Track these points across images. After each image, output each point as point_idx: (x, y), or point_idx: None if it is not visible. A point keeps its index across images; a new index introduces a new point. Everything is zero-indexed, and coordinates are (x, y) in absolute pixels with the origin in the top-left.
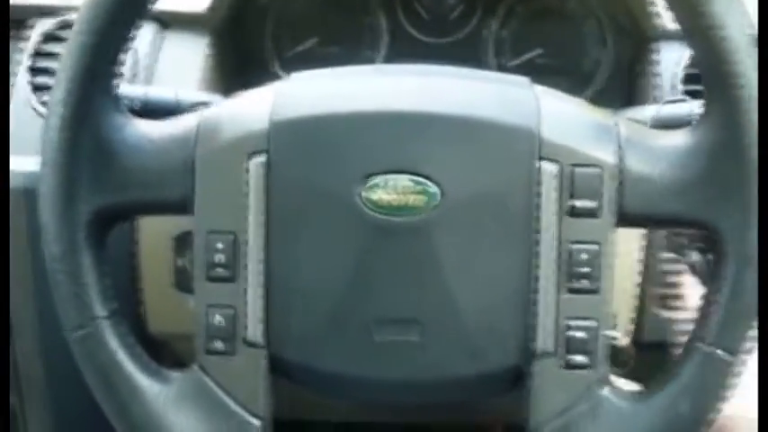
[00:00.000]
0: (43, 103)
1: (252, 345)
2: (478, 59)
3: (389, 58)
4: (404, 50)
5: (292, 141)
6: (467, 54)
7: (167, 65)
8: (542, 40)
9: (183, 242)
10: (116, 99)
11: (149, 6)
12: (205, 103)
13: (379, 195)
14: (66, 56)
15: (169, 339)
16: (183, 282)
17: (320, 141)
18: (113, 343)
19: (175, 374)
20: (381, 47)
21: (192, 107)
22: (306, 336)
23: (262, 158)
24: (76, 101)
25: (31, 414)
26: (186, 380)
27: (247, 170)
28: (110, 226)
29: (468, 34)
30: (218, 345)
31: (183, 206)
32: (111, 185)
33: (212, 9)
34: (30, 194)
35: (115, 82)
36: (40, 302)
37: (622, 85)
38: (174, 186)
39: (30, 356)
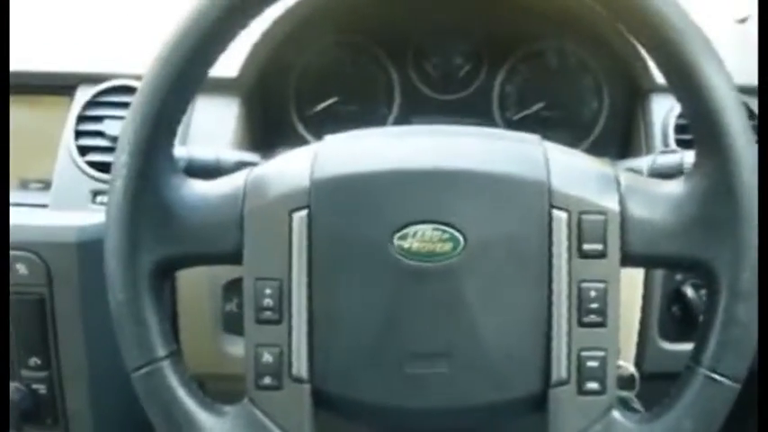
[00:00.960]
0: (89, 164)
1: (297, 380)
2: (485, 114)
3: (403, 114)
4: (416, 106)
5: (331, 197)
6: (474, 109)
7: (200, 127)
8: (544, 94)
9: (230, 289)
10: (173, 161)
11: (205, 78)
12: (244, 163)
13: (411, 243)
14: (129, 123)
15: (205, 380)
16: (231, 325)
17: (356, 196)
18: (173, 381)
19: (228, 408)
20: (395, 104)
21: (232, 166)
22: (345, 370)
23: (304, 213)
24: (139, 164)
25: None
26: (238, 413)
27: (291, 223)
28: (169, 274)
29: (475, 91)
30: (267, 380)
31: (234, 257)
32: (171, 239)
33: (242, 74)
34: (81, 248)
35: (173, 146)
36: (90, 348)
37: (618, 135)
38: (226, 239)
39: (79, 402)
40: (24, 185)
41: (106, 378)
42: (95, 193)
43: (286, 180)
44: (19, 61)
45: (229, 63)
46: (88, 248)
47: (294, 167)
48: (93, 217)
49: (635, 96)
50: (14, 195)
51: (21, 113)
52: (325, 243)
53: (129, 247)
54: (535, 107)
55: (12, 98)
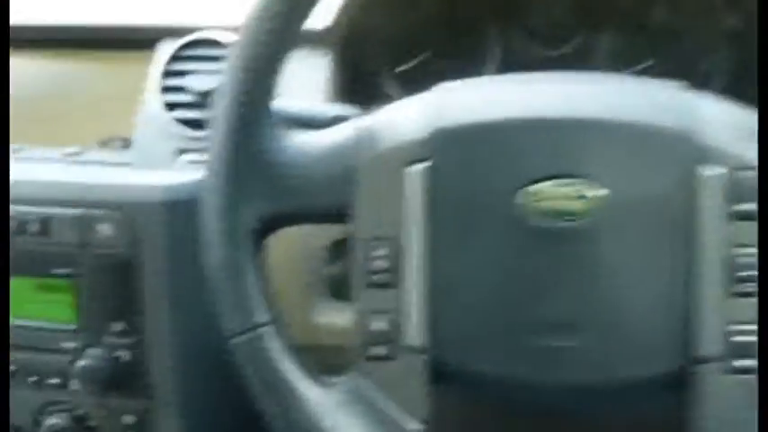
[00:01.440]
0: (173, 120)
1: (412, 349)
2: (588, 72)
3: (501, 71)
4: (515, 62)
5: (453, 148)
6: (576, 66)
7: (287, 80)
8: (652, 50)
9: (335, 251)
10: (275, 114)
11: (302, 25)
12: (342, 117)
13: (540, 201)
14: (230, 69)
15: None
16: (336, 290)
17: (482, 148)
18: (276, 348)
19: (335, 380)
20: (493, 59)
21: (329, 121)
22: (466, 339)
23: (423, 166)
24: (242, 113)
25: (163, 419)
26: (346, 385)
27: (409, 177)
28: (268, 234)
29: (579, 45)
30: (378, 350)
31: (341, 214)
32: (277, 194)
33: (332, 28)
34: (168, 207)
35: (273, 96)
36: (176, 315)
37: (732, 95)
38: (334, 194)
39: (164, 370)
40: (104, 144)
41: (193, 345)
42: (181, 151)
43: (402, 130)
44: (98, 15)
45: (320, 16)
46: (175, 208)
47: (410, 117)
48: (179, 176)
49: (751, 48)
50: (94, 154)
51: (99, 70)
52: (446, 199)
53: (231, 201)
54: (644, 64)
55: (90, 54)
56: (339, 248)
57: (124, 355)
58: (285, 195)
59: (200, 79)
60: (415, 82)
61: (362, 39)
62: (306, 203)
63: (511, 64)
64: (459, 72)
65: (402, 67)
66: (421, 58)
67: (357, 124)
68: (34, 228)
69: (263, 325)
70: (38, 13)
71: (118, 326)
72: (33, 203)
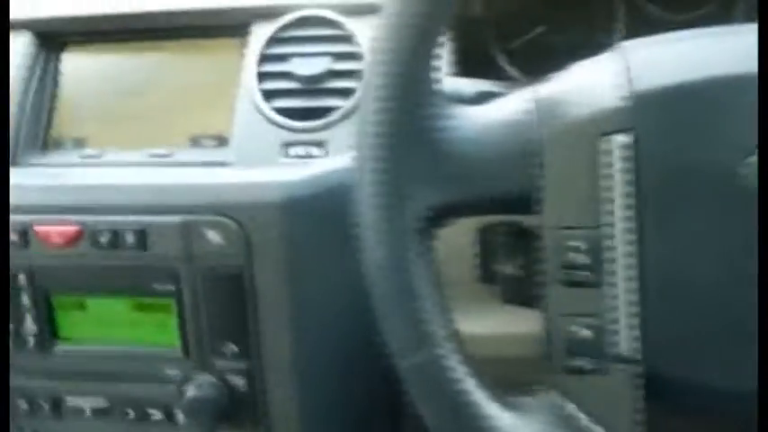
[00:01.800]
0: (277, 111)
1: (625, 360)
2: None
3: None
4: (643, 31)
5: (662, 114)
6: None
7: None
8: None
9: (510, 245)
10: (439, 84)
11: None
12: (486, 93)
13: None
14: (385, 31)
15: None
16: (512, 292)
17: (695, 112)
18: (459, 369)
19: (527, 401)
20: (618, 29)
21: (473, 97)
22: (685, 346)
23: (626, 137)
24: (405, 88)
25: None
26: (542, 406)
27: (609, 152)
28: (437, 229)
29: (715, 8)
30: (581, 362)
31: (525, 201)
32: (447, 180)
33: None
34: (288, 209)
35: (438, 66)
36: (298, 334)
37: None
38: (515, 178)
39: (285, 400)
40: (195, 143)
41: (319, 370)
42: (287, 145)
43: (595, 96)
44: (180, 0)
45: None
46: (295, 209)
47: (600, 81)
48: (291, 172)
49: None
50: (185, 154)
51: (185, 60)
52: (657, 176)
53: (394, 191)
54: None
55: (173, 43)
56: (513, 243)
57: (238, 382)
58: (459, 181)
59: (306, 63)
60: (531, 59)
61: (476, 15)
62: (484, 190)
63: (637, 33)
64: (578, 46)
65: (515, 43)
66: (534, 32)
67: (533, 95)
68: (130, 239)
69: (442, 341)
70: (113, 2)
71: (230, 348)
72: (127, 212)
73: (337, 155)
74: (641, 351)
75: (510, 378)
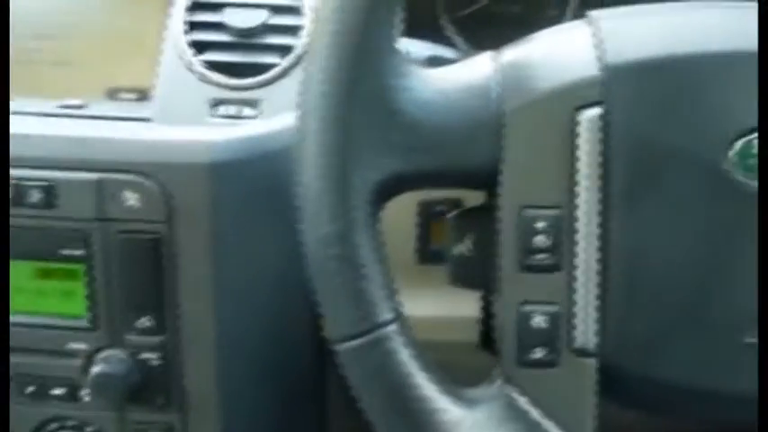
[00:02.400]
0: (207, 64)
1: (582, 352)
2: None
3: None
4: (593, 5)
5: (636, 90)
6: None
7: None
8: None
9: (463, 223)
10: (396, 42)
11: None
12: (439, 59)
13: (757, 159)
14: None
15: None
16: (462, 274)
17: (674, 90)
18: (404, 354)
19: (477, 393)
20: (571, 3)
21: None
22: (651, 338)
23: (595, 112)
24: (358, 40)
25: None
26: (495, 400)
27: (576, 126)
28: (386, 202)
29: None
30: (538, 353)
31: (484, 176)
32: (402, 147)
33: None
34: (215, 171)
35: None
36: (221, 308)
37: None
38: (475, 150)
39: (202, 379)
40: (113, 95)
41: (242, 347)
42: (216, 103)
43: (564, 67)
44: None
45: None
46: (223, 173)
47: (570, 51)
48: (219, 133)
49: None
50: (102, 107)
51: (106, 3)
52: (627, 154)
53: (343, 159)
54: None
55: None
56: (465, 220)
57: (152, 358)
58: (415, 150)
59: (241, 14)
60: (478, 28)
61: None
62: (441, 161)
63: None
64: (529, 18)
65: (463, 12)
66: (482, 2)
67: (496, 60)
68: (36, 197)
69: (387, 323)
70: None
71: (144, 321)
72: (33, 165)
73: (271, 116)
74: (599, 344)
75: (450, 364)
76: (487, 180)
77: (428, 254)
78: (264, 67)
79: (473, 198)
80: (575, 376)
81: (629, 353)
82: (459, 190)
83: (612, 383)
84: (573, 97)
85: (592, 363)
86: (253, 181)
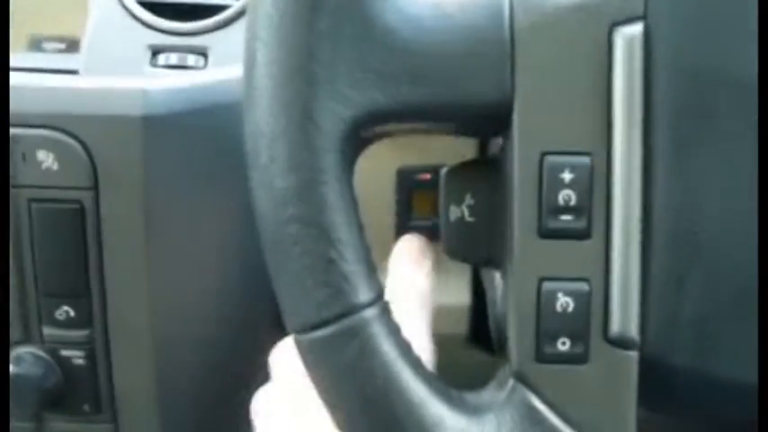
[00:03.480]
0: (142, 5)
1: (619, 343)
2: None
3: None
4: None
5: (687, 3)
6: None
7: None
8: None
9: (458, 180)
10: None
11: None
12: None
13: None
14: None
15: None
16: (459, 244)
17: (735, 6)
18: (386, 346)
19: (482, 398)
20: None
21: None
22: (706, 324)
23: (636, 29)
24: None
25: None
26: (506, 407)
27: (611, 49)
28: (360, 149)
29: None
30: (562, 345)
31: (492, 114)
32: (384, 75)
33: None
34: (150, 125)
35: None
36: (157, 292)
37: None
38: (481, 79)
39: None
40: (36, 46)
41: (182, 340)
42: (156, 51)
43: None
44: None
45: None
46: (159, 128)
47: None
48: (154, 82)
49: None
50: (23, 59)
51: None
52: (677, 85)
53: (304, 89)
54: None
55: None
56: (462, 178)
57: (76, 355)
58: (401, 78)
59: None
60: None
61: None
62: (435, 93)
63: None
64: None
65: None
66: None
67: None
68: None
69: (364, 306)
70: None
71: (64, 311)
72: None
73: (220, 66)
74: (641, 332)
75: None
76: (496, 120)
77: (410, 229)
78: (214, 9)
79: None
80: (610, 374)
81: (678, 343)
82: (451, 145)
83: (654, 383)
84: (608, 10)
85: (632, 356)
86: (194, 139)
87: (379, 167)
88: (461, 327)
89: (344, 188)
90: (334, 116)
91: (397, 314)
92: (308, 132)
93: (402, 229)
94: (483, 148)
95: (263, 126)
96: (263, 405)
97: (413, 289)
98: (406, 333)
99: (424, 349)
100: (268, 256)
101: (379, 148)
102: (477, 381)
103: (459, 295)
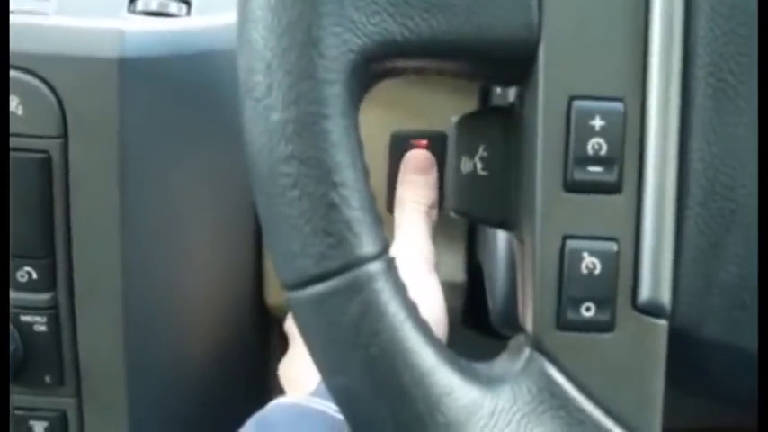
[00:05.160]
0: None
1: (649, 310)
2: None
3: None
4: None
5: None
6: None
7: None
8: None
9: (472, 128)
10: None
11: None
12: None
13: None
14: None
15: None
16: (470, 200)
17: None
18: (393, 305)
19: (496, 369)
20: None
21: None
22: (744, 295)
23: None
24: None
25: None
26: (522, 378)
27: None
28: (368, 85)
29: None
30: (586, 311)
31: (514, 52)
32: (398, 3)
33: None
34: (124, 69)
35: None
36: (128, 251)
37: None
38: (502, 11)
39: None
40: None
41: (156, 308)
42: None
43: None
44: None
45: None
46: (136, 73)
47: None
48: (134, 24)
49: None
50: None
51: None
52: (721, 26)
53: (312, 12)
54: None
55: None
56: (475, 126)
57: (37, 321)
58: (415, 6)
59: None
60: None
61: None
62: (452, 24)
63: None
64: None
65: None
66: None
67: None
68: None
69: (370, 259)
70: None
71: (27, 272)
72: None
73: (204, 15)
74: (673, 299)
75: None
76: (519, 59)
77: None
78: None
79: None
80: (637, 344)
81: (711, 314)
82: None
83: (683, 357)
84: None
85: (661, 325)
86: (175, 87)
87: (371, 131)
88: (455, 306)
89: (350, 125)
90: (340, 43)
91: (403, 268)
92: (311, 59)
93: (394, 196)
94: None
95: (261, 50)
96: (287, 374)
97: (418, 250)
98: (414, 288)
99: (432, 309)
100: (260, 201)
101: (372, 110)
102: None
103: (454, 273)
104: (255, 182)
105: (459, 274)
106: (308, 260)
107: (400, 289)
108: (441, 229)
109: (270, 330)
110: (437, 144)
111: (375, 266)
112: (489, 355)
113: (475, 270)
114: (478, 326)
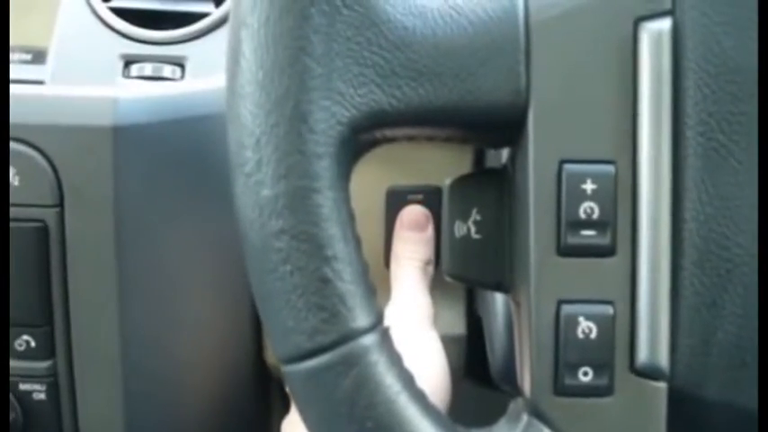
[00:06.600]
0: (114, 11)
1: (647, 374)
2: None
3: None
4: None
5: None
6: None
7: None
8: None
9: (462, 194)
10: None
11: None
12: None
13: None
14: None
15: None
16: (465, 264)
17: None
18: (388, 378)
19: None
20: None
21: None
22: (744, 354)
23: (663, 25)
24: None
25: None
26: None
27: (636, 46)
28: (358, 155)
29: None
30: (583, 376)
31: (503, 118)
32: (385, 71)
33: None
34: (119, 138)
35: None
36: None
37: None
38: (492, 79)
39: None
40: None
41: (156, 376)
42: (129, 61)
43: None
44: None
45: None
46: (130, 141)
47: None
48: (127, 91)
49: None
50: None
51: None
52: (710, 85)
53: (299, 87)
54: None
55: None
56: (468, 190)
57: (37, 390)
58: (403, 75)
59: None
60: None
61: None
62: (440, 93)
63: None
64: None
65: None
66: None
67: None
68: None
69: (363, 332)
70: None
71: (24, 341)
72: None
73: (198, 78)
74: (671, 362)
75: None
76: (508, 124)
77: None
78: (192, 17)
79: None
80: (637, 408)
81: (711, 374)
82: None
83: (684, 418)
84: (633, 4)
85: (660, 388)
86: (169, 152)
87: (367, 186)
88: (457, 359)
89: (340, 198)
90: (329, 116)
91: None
92: (300, 134)
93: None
94: (479, 164)
95: (249, 125)
96: None
97: (415, 305)
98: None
99: (429, 378)
100: (253, 275)
101: (367, 165)
102: (479, 416)
103: (454, 326)
104: (248, 256)
105: (459, 328)
106: (302, 335)
107: (396, 360)
108: (440, 283)
109: (270, 389)
110: (433, 199)
111: (369, 339)
112: (493, 406)
113: (476, 323)
114: (481, 378)
